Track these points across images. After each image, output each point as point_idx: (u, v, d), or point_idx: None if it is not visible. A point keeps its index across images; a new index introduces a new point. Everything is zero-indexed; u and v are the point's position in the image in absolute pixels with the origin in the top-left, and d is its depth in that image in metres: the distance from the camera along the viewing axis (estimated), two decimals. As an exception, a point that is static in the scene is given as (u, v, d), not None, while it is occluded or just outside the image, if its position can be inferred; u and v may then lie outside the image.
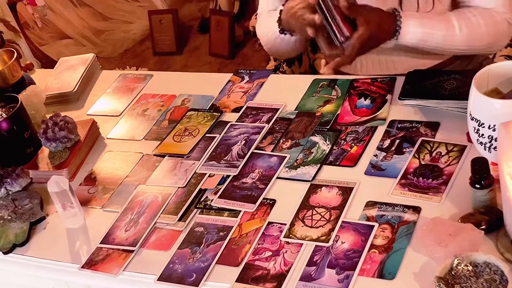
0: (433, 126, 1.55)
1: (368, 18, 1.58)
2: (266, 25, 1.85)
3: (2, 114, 1.80)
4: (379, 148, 1.54)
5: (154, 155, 1.74)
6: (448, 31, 1.63)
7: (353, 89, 1.73)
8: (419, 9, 1.67)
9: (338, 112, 1.68)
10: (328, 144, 1.59)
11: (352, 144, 1.57)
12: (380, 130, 1.59)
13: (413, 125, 1.57)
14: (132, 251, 1.47)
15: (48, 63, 4.04)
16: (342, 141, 1.59)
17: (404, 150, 1.51)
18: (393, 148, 1.52)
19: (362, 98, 1.69)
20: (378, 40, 1.64)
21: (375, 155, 1.52)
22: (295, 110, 1.74)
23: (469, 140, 1.44)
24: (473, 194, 1.30)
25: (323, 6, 1.58)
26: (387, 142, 1.54)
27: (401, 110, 1.62)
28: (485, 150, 1.30)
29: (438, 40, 1.64)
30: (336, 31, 1.59)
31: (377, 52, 1.74)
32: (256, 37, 2.21)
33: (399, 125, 1.58)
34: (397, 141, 1.54)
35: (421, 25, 1.62)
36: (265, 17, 1.88)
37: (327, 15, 1.58)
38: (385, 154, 1.51)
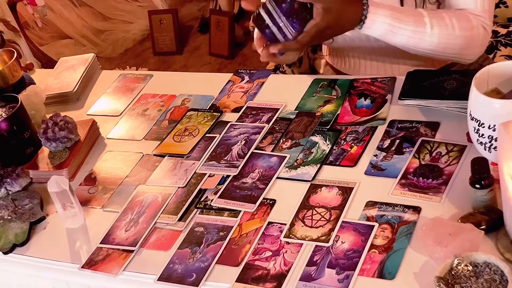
0: (433, 126, 1.55)
1: (329, 6, 1.50)
2: None
3: (2, 114, 1.80)
4: (379, 148, 1.54)
5: (154, 155, 1.74)
6: (418, 27, 1.55)
7: (353, 89, 1.73)
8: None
9: (338, 112, 1.68)
10: (328, 144, 1.59)
11: (352, 144, 1.57)
12: (380, 130, 1.59)
13: (413, 125, 1.57)
14: (132, 251, 1.47)
15: (48, 63, 4.04)
16: (342, 141, 1.59)
17: (404, 150, 1.51)
18: (393, 148, 1.52)
19: (362, 98, 1.69)
20: (339, 29, 1.56)
21: (375, 155, 1.52)
22: (295, 110, 1.74)
23: (469, 140, 1.44)
24: (473, 194, 1.30)
25: (263, 12, 1.53)
26: (387, 142, 1.54)
27: (401, 110, 1.62)
28: (485, 150, 1.30)
29: (405, 36, 1.56)
30: (285, 31, 1.54)
31: (377, 56, 1.74)
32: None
33: (399, 125, 1.58)
34: (397, 141, 1.54)
35: (389, 17, 1.54)
36: None
37: (273, 16, 1.53)
38: (385, 154, 1.51)
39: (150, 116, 1.89)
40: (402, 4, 1.64)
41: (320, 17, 1.51)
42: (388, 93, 1.69)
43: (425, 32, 1.56)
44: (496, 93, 1.33)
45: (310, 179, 1.51)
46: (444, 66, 1.79)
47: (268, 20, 1.54)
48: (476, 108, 1.28)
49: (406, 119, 1.59)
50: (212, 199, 1.53)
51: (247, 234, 1.43)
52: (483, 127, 1.27)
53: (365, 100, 1.68)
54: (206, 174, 1.61)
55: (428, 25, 1.56)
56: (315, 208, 1.43)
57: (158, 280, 1.39)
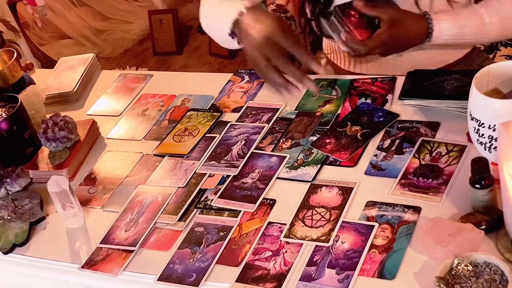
0: (433, 126, 1.55)
1: (394, 17, 1.59)
2: (213, 13, 1.70)
3: (2, 114, 1.80)
4: (379, 148, 1.54)
5: (154, 155, 1.74)
6: (478, 25, 1.62)
7: (353, 89, 1.73)
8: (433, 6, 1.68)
9: (338, 112, 1.68)
10: (328, 144, 1.59)
11: (352, 144, 1.57)
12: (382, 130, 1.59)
13: (413, 125, 1.57)
14: (132, 251, 1.47)
15: (48, 63, 4.04)
16: (342, 141, 1.59)
17: (404, 150, 1.51)
18: (393, 148, 1.52)
19: (363, 98, 1.69)
20: (407, 42, 1.64)
21: (375, 155, 1.52)
22: (295, 110, 1.74)
23: (469, 140, 1.44)
24: (473, 194, 1.30)
25: (329, 29, 1.64)
26: (387, 142, 1.54)
27: (401, 110, 1.62)
28: (485, 150, 1.30)
29: (470, 35, 1.64)
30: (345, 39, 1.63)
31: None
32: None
33: (399, 125, 1.58)
34: (397, 141, 1.54)
35: (453, 25, 1.62)
36: (212, 7, 1.71)
37: (338, 31, 1.64)
38: (385, 154, 1.51)
39: (150, 116, 1.89)
40: (417, 4, 1.68)
41: (387, 27, 1.59)
42: (389, 93, 1.69)
43: (487, 27, 1.63)
44: (496, 93, 1.33)
45: (311, 180, 1.51)
46: (444, 66, 1.79)
47: (331, 33, 1.66)
48: (476, 108, 1.28)
49: (406, 119, 1.59)
50: (212, 199, 1.53)
51: (247, 234, 1.43)
52: (483, 127, 1.27)
53: (365, 100, 1.68)
54: (206, 174, 1.61)
55: (487, 19, 1.62)
56: (315, 208, 1.43)
57: (158, 280, 1.39)
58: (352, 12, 1.63)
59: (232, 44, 1.63)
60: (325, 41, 1.97)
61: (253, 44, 1.51)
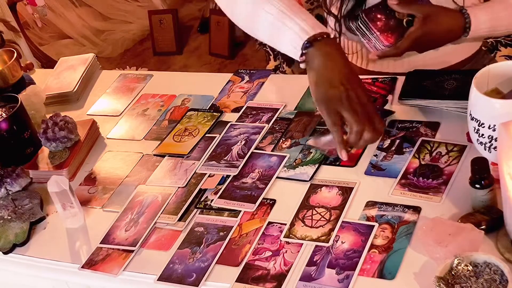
0: (433, 126, 1.55)
1: (428, 14, 1.59)
2: (263, 20, 1.49)
3: (2, 114, 1.80)
4: (379, 148, 1.54)
5: (154, 155, 1.74)
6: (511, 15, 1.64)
7: (353, 90, 1.73)
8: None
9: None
10: (328, 144, 1.59)
11: (352, 144, 1.57)
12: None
13: (413, 125, 1.57)
14: (132, 251, 1.47)
15: (48, 63, 4.04)
16: (342, 141, 1.59)
17: (404, 150, 1.51)
18: (393, 148, 1.52)
19: None
20: (442, 38, 1.65)
21: (375, 155, 1.52)
22: (294, 110, 1.74)
23: (469, 140, 1.44)
24: (473, 194, 1.30)
25: (359, 32, 1.66)
26: (387, 142, 1.54)
27: (401, 110, 1.62)
28: (485, 150, 1.30)
29: (504, 25, 1.65)
30: (377, 44, 1.66)
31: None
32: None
33: (399, 125, 1.58)
34: (397, 141, 1.54)
35: (488, 18, 1.62)
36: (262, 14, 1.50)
37: (365, 34, 1.66)
38: (385, 154, 1.51)
39: (150, 116, 1.89)
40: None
41: (419, 24, 1.59)
42: (389, 93, 1.69)
43: None
44: (496, 93, 1.33)
45: (308, 179, 1.51)
46: (449, 67, 1.79)
47: (360, 36, 1.68)
48: (476, 108, 1.28)
49: (406, 119, 1.59)
50: (212, 199, 1.53)
51: (247, 234, 1.43)
52: (483, 127, 1.27)
53: None
54: (206, 174, 1.61)
55: None
56: (315, 208, 1.43)
57: (158, 280, 1.39)
58: (378, 16, 1.64)
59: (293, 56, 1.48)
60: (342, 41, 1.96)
61: (329, 91, 1.39)
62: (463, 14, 1.63)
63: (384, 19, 1.66)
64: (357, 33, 1.70)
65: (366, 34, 1.67)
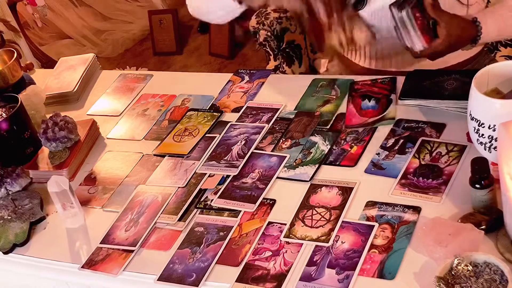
0: (439, 127, 1.54)
1: (450, 26, 1.56)
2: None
3: (2, 114, 1.80)
4: (383, 147, 1.53)
5: (154, 155, 1.74)
6: None
7: (354, 92, 1.73)
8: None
9: (338, 111, 1.68)
10: (327, 145, 1.59)
11: (352, 144, 1.57)
12: (387, 128, 1.58)
13: (419, 125, 1.56)
14: (132, 251, 1.47)
15: (48, 63, 4.04)
16: (342, 141, 1.59)
17: (406, 150, 1.51)
18: (396, 148, 1.52)
19: (366, 99, 1.69)
20: (456, 47, 1.63)
21: (378, 153, 1.52)
22: (294, 110, 1.74)
23: (469, 140, 1.44)
24: (473, 194, 1.30)
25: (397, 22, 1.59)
26: (391, 141, 1.54)
27: (409, 109, 1.62)
28: (485, 150, 1.30)
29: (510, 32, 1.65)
30: (412, 40, 1.59)
31: (387, 48, 1.74)
32: (256, 37, 2.21)
33: (405, 125, 1.58)
34: (401, 140, 1.54)
35: (497, 28, 1.62)
36: None
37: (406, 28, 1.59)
38: (388, 153, 1.51)
39: (150, 116, 1.89)
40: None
41: (446, 38, 1.55)
42: (392, 93, 1.68)
43: None
44: (496, 93, 1.33)
45: (308, 179, 1.51)
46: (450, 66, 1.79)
47: (399, 27, 1.60)
48: (476, 108, 1.28)
49: (413, 119, 1.58)
50: (212, 199, 1.53)
51: (247, 234, 1.43)
52: (483, 127, 1.27)
53: (369, 101, 1.68)
54: (206, 174, 1.61)
55: None
56: (315, 208, 1.43)
57: (158, 280, 1.39)
58: (417, 14, 1.60)
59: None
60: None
61: None
62: (476, 26, 1.60)
63: (421, 19, 1.59)
64: (398, 24, 1.60)
65: (407, 29, 1.59)
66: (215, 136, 1.72)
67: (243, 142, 1.67)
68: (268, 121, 1.72)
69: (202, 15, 1.80)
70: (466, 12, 1.70)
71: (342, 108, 1.70)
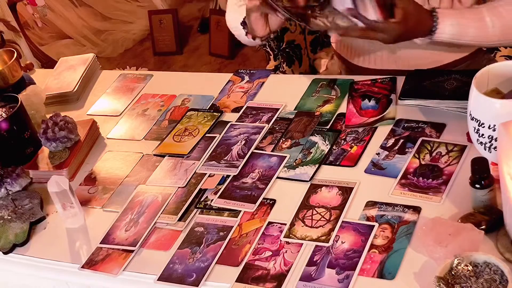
0: (439, 127, 1.54)
1: (408, 10, 1.55)
2: (232, 19, 1.88)
3: (2, 114, 1.80)
4: (383, 147, 1.53)
5: (154, 155, 1.74)
6: (481, 28, 1.61)
7: (354, 92, 1.73)
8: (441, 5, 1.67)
9: (338, 111, 1.68)
10: (327, 145, 1.59)
11: (352, 144, 1.57)
12: (387, 128, 1.58)
13: (419, 125, 1.56)
14: (132, 251, 1.47)
15: (48, 63, 4.04)
16: (342, 141, 1.59)
17: (406, 150, 1.51)
18: (396, 148, 1.52)
19: (366, 99, 1.69)
20: (411, 36, 1.62)
21: (378, 153, 1.52)
22: (294, 110, 1.74)
23: (469, 140, 1.44)
24: (473, 194, 1.30)
25: None
26: (391, 141, 1.54)
27: (408, 109, 1.62)
28: (485, 150, 1.30)
29: (471, 37, 1.63)
30: (366, 7, 1.52)
31: (383, 46, 1.74)
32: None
33: (405, 125, 1.58)
34: (401, 140, 1.54)
35: (456, 24, 1.60)
36: (232, 8, 1.89)
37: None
38: (388, 153, 1.51)
39: (150, 116, 1.89)
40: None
41: (401, 18, 1.54)
42: (391, 93, 1.68)
43: (489, 31, 1.61)
44: (496, 93, 1.33)
45: (308, 179, 1.51)
46: (448, 64, 1.78)
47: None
48: (476, 108, 1.28)
49: (413, 119, 1.58)
50: (212, 199, 1.53)
51: (247, 234, 1.43)
52: (483, 127, 1.27)
53: (369, 101, 1.68)
54: (206, 174, 1.61)
55: (490, 23, 1.61)
56: (315, 208, 1.43)
57: (158, 280, 1.39)
58: None
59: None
60: (334, 37, 1.95)
61: None
62: (432, 16, 1.59)
63: None
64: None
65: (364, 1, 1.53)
66: (215, 136, 1.72)
67: (243, 142, 1.67)
68: (268, 121, 1.72)
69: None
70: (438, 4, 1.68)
71: (342, 108, 1.70)
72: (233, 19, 1.85)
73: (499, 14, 1.61)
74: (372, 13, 1.53)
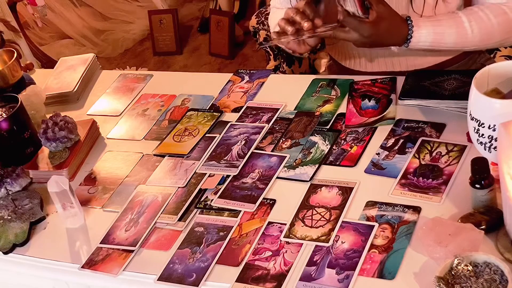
0: (439, 127, 1.54)
1: (382, 14, 1.56)
2: (273, 24, 1.88)
3: (2, 114, 1.80)
4: (383, 147, 1.53)
5: (154, 155, 1.74)
6: (459, 34, 1.61)
7: (354, 92, 1.73)
8: (424, 9, 1.67)
9: (338, 111, 1.68)
10: (327, 145, 1.59)
11: (352, 144, 1.57)
12: (386, 128, 1.58)
13: (419, 125, 1.56)
14: (132, 251, 1.47)
15: (48, 63, 4.04)
16: (342, 141, 1.59)
17: (406, 150, 1.51)
18: (396, 148, 1.52)
19: (366, 99, 1.69)
20: (384, 42, 1.62)
21: (378, 153, 1.52)
22: (294, 110, 1.74)
23: (469, 140, 1.44)
24: (473, 194, 1.30)
25: None
26: (391, 141, 1.54)
27: (408, 109, 1.62)
28: (485, 150, 1.30)
29: (449, 43, 1.63)
30: (350, 7, 1.56)
31: (377, 51, 1.74)
32: (256, 37, 2.22)
33: (405, 125, 1.58)
34: (401, 140, 1.54)
35: (433, 32, 1.60)
36: (273, 14, 1.91)
37: None
38: (388, 153, 1.51)
39: (150, 116, 1.89)
40: (411, 4, 1.67)
41: (373, 21, 1.56)
42: (391, 93, 1.68)
43: (467, 36, 1.62)
44: (496, 93, 1.33)
45: (308, 179, 1.51)
46: (441, 63, 1.78)
47: None
48: (476, 108, 1.28)
49: (413, 119, 1.58)
50: (212, 199, 1.53)
51: (247, 234, 1.43)
52: (483, 127, 1.27)
53: (369, 101, 1.68)
54: (206, 174, 1.61)
55: (469, 29, 1.61)
56: (315, 208, 1.43)
57: (158, 280, 1.39)
58: None
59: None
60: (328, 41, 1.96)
61: None
62: (407, 24, 1.59)
63: None
64: None
65: None
66: (215, 136, 1.72)
67: (243, 142, 1.67)
68: (268, 121, 1.72)
69: None
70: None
71: (342, 108, 1.70)
72: (272, 26, 1.88)
73: (480, 19, 1.61)
74: (352, 5, 1.54)
